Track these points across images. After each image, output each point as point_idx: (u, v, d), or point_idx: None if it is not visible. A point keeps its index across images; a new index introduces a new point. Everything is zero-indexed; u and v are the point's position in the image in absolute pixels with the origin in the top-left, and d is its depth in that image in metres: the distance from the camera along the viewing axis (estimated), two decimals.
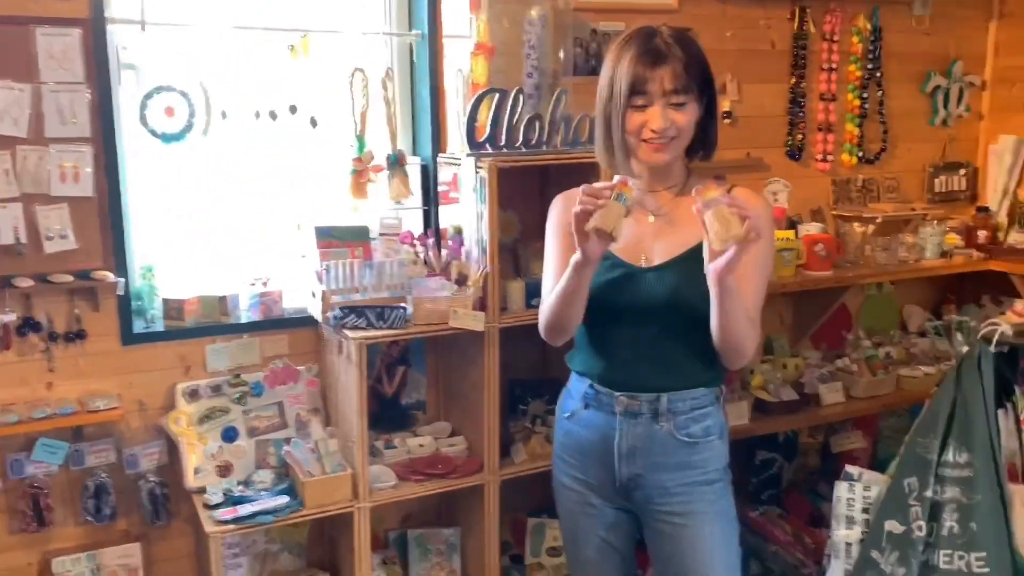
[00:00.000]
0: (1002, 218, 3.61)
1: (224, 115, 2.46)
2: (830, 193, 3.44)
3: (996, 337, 2.12)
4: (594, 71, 2.86)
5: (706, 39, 1.81)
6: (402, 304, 2.40)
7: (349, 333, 2.33)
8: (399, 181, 2.67)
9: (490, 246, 2.44)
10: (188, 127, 2.41)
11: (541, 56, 2.71)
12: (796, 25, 3.22)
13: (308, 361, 2.61)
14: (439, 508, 2.88)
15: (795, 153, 3.34)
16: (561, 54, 2.80)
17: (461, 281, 2.51)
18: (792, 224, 3.23)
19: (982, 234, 3.52)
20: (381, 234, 2.61)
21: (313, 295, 2.49)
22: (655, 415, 1.80)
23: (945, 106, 3.62)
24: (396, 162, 2.66)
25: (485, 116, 2.46)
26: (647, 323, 1.78)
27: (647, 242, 1.80)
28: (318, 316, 2.48)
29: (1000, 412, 2.11)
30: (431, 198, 2.74)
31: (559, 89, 2.58)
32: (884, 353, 3.32)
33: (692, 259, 1.70)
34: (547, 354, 2.96)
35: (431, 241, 2.62)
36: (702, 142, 1.80)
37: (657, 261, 1.78)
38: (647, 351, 1.79)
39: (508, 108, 2.45)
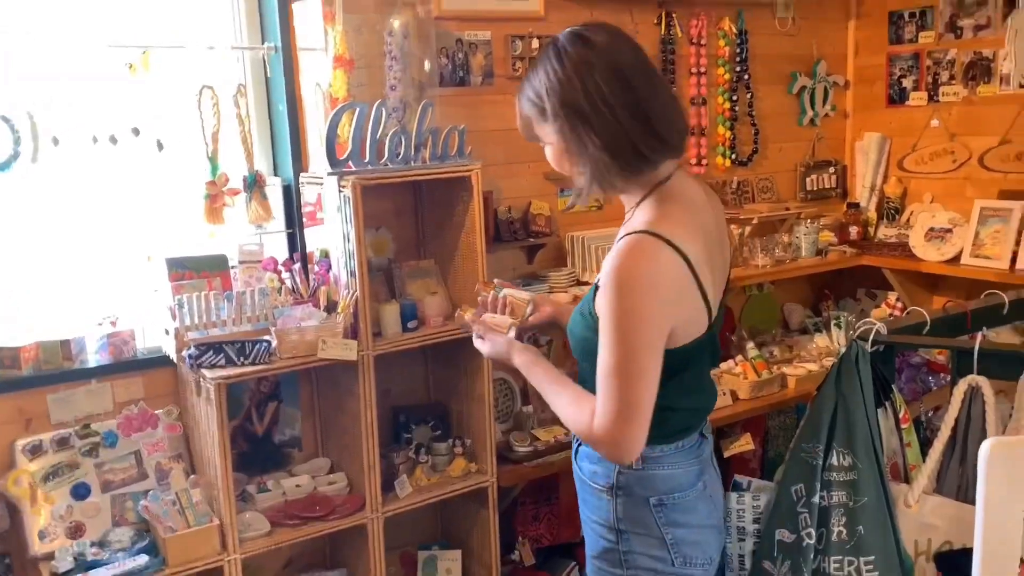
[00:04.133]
0: (871, 213, 3.70)
1: (56, 141, 2.24)
2: None
3: (872, 336, 2.12)
4: (462, 82, 2.77)
5: None
6: (265, 338, 2.23)
7: (206, 372, 2.15)
8: (258, 204, 2.50)
9: (359, 269, 2.31)
10: (14, 155, 2.19)
11: (405, 68, 2.59)
12: (663, 29, 3.19)
13: (167, 404, 2.41)
14: (323, 549, 2.71)
15: None
16: (427, 65, 2.69)
17: (331, 308, 2.36)
18: None
19: (854, 230, 3.60)
20: (241, 262, 2.44)
21: (167, 332, 2.30)
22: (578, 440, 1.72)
23: (812, 106, 3.68)
24: (254, 184, 2.49)
25: (346, 132, 2.32)
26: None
27: None
28: (172, 355, 2.28)
29: (880, 412, 2.11)
30: (295, 220, 2.58)
31: (424, 101, 2.46)
32: (768, 352, 3.34)
33: (586, 298, 1.62)
34: (431, 379, 2.84)
35: (297, 266, 2.46)
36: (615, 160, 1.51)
37: None
38: None
39: (370, 123, 2.32)
